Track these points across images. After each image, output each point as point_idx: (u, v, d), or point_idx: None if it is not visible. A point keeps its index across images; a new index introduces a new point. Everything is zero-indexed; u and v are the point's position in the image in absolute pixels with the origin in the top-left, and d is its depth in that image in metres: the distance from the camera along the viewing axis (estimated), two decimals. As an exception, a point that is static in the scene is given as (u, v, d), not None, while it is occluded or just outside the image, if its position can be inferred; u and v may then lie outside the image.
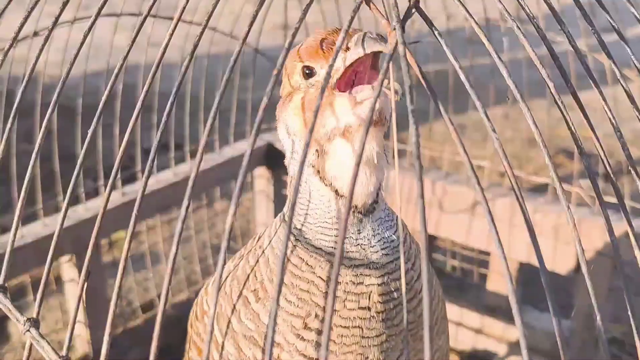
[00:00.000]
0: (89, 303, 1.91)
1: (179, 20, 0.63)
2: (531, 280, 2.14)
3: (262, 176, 2.30)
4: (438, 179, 1.95)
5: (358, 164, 0.46)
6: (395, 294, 0.87)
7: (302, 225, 0.89)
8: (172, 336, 2.21)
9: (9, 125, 0.68)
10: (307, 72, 0.84)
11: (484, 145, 3.23)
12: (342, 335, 0.87)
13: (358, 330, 0.86)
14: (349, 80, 0.82)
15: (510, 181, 0.54)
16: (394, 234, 0.88)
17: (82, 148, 0.63)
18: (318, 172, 0.85)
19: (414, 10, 0.65)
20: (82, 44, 0.71)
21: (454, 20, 2.05)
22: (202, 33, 0.60)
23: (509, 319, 1.96)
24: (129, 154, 2.40)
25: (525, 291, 1.98)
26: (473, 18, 0.61)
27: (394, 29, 0.60)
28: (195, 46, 0.62)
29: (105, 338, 0.57)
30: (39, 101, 1.71)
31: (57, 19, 0.73)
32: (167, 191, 2.00)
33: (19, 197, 0.65)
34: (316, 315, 0.87)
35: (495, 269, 1.94)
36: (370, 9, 0.67)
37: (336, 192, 0.85)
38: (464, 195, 1.90)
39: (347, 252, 0.86)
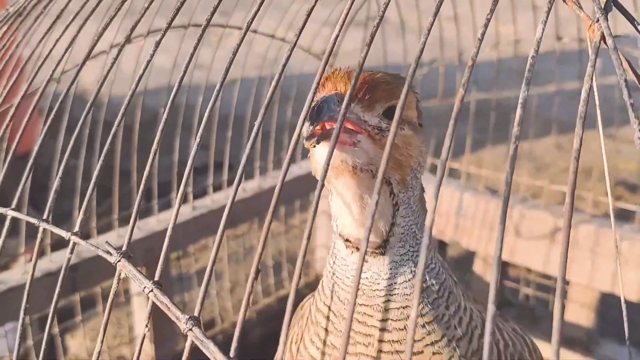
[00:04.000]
0: (155, 318, 1.87)
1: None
2: (611, 312, 2.06)
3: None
4: (515, 204, 1.90)
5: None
6: (398, 345, 0.86)
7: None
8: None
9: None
10: None
11: (539, 175, 3.17)
12: None
13: None
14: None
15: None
16: (409, 281, 0.87)
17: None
18: None
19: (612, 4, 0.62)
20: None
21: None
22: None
23: (587, 351, 1.89)
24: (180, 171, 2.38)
25: (604, 324, 1.90)
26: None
27: (597, 20, 0.57)
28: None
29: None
30: (83, 117, 1.70)
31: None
32: (235, 207, 1.97)
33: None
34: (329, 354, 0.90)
35: (574, 298, 1.87)
36: (565, 2, 0.64)
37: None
38: (543, 220, 1.85)
39: (347, 287, 0.87)
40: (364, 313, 0.86)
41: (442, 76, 1.96)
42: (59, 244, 1.79)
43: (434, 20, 0.58)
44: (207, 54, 1.80)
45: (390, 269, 0.87)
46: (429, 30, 0.57)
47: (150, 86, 1.90)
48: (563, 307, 0.47)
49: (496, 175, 2.04)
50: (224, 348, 0.53)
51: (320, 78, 0.58)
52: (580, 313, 1.86)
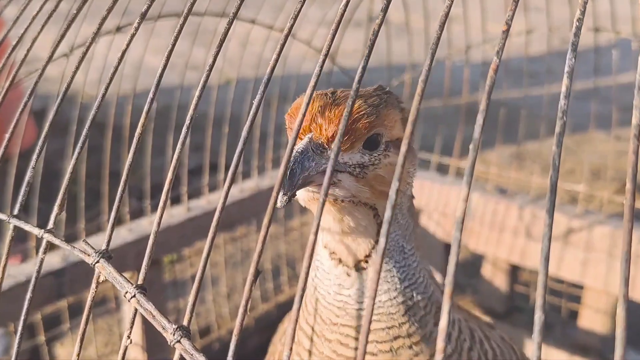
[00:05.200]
0: (147, 324, 1.78)
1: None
2: (628, 319, 1.98)
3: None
4: (526, 204, 1.81)
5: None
6: None
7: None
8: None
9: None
10: None
11: (546, 176, 3.07)
12: None
13: None
14: None
15: None
16: (393, 299, 0.82)
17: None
18: None
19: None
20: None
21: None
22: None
23: (602, 359, 1.80)
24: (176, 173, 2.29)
25: (620, 330, 1.81)
26: None
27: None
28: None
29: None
30: (76, 119, 1.61)
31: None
32: (232, 208, 1.89)
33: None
34: None
35: (589, 303, 1.78)
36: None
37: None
38: (556, 222, 1.76)
39: (329, 305, 0.83)
40: (347, 335, 0.81)
41: (449, 71, 1.88)
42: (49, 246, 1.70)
43: (444, 24, 0.50)
44: (201, 54, 1.72)
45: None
46: (438, 40, 0.49)
47: (144, 87, 1.82)
48: (625, 318, 0.38)
49: (504, 175, 1.95)
50: (220, 357, 0.46)
51: (318, 79, 0.52)
52: (595, 319, 1.77)
